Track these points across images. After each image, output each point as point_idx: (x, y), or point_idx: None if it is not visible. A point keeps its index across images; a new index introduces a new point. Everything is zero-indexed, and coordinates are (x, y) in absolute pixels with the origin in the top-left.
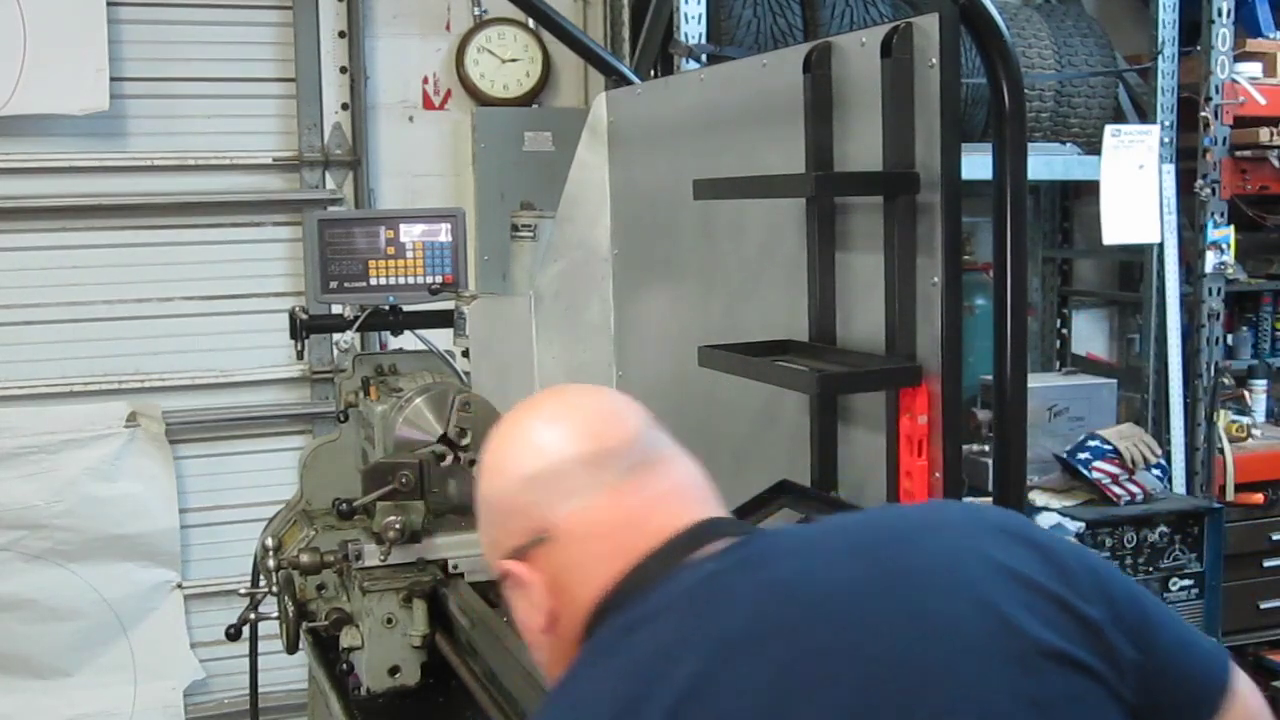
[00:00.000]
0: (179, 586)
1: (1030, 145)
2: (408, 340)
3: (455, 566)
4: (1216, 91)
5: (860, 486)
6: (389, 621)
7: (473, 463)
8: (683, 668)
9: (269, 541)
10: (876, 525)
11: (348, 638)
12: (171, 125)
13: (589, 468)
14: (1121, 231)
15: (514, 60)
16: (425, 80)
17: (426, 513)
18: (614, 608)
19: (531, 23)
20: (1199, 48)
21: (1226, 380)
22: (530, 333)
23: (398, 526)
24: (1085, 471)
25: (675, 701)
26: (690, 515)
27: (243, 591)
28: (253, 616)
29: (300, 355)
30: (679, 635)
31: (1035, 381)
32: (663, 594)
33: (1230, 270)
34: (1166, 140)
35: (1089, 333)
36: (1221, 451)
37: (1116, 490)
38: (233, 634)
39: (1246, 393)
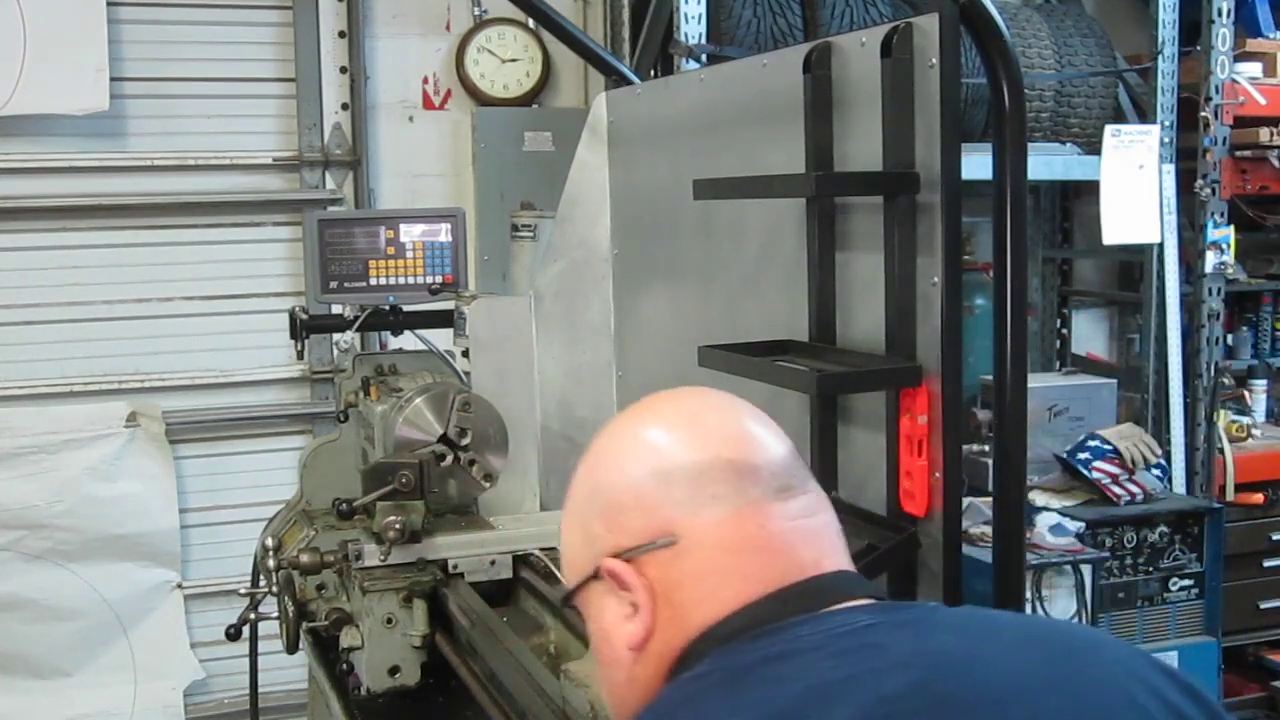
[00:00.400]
0: (179, 586)
1: (1030, 145)
2: (408, 340)
3: (455, 566)
4: (1216, 91)
5: (860, 486)
6: (389, 621)
7: (473, 463)
8: (840, 712)
9: (269, 541)
10: (1037, 623)
11: (348, 638)
12: (171, 125)
13: (738, 476)
14: (1121, 231)
15: (514, 60)
16: (425, 80)
17: (426, 513)
18: (746, 632)
19: (531, 23)
20: (1199, 48)
21: (1226, 380)
22: (530, 333)
23: (398, 526)
24: (1085, 471)
25: None
26: (833, 561)
27: (243, 591)
28: (253, 616)
29: (300, 355)
30: (836, 678)
31: (1035, 381)
32: (811, 631)
33: (1230, 270)
34: (1166, 140)
35: (1089, 333)
36: (1221, 451)
37: (1116, 490)
38: (233, 634)
39: (1246, 393)
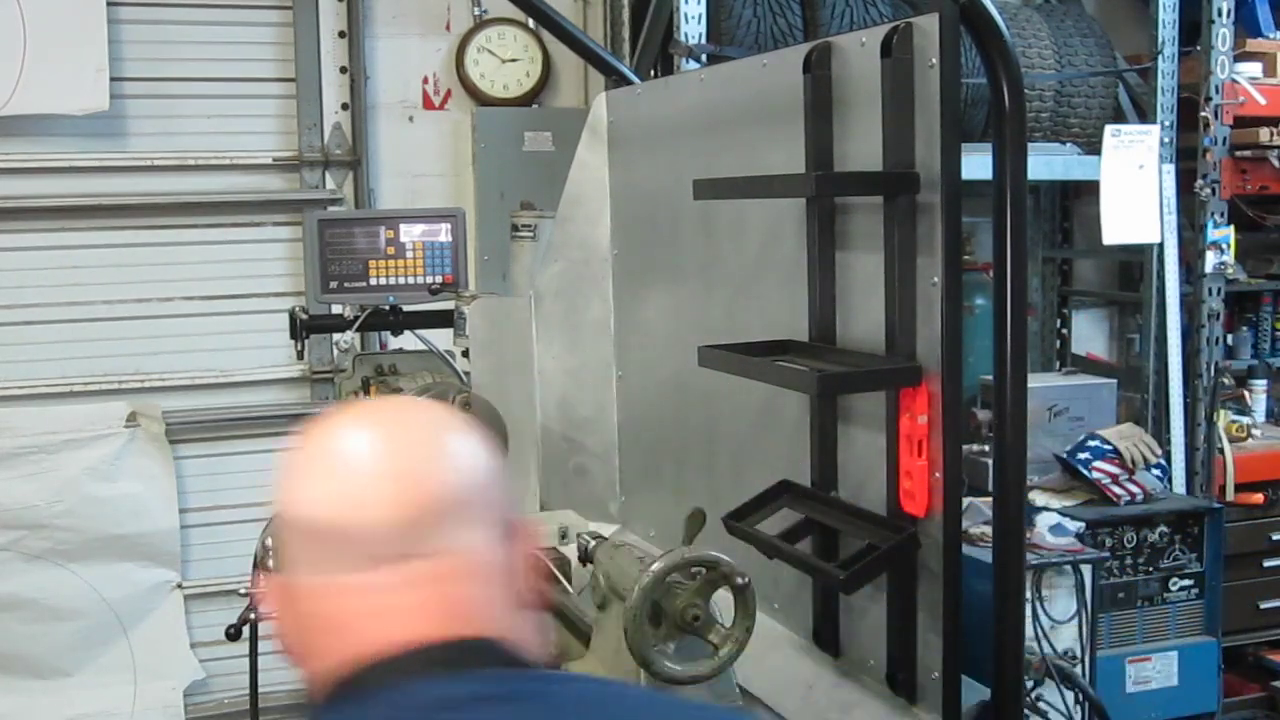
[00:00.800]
0: (179, 586)
1: (1030, 145)
2: (408, 340)
3: None
4: (1216, 91)
5: (860, 486)
6: None
7: None
8: None
9: (269, 541)
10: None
11: None
12: (171, 125)
13: (322, 543)
14: (1121, 231)
15: (514, 60)
16: (425, 80)
17: None
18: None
19: (531, 23)
20: (1199, 48)
21: (1226, 380)
22: (530, 333)
23: None
24: (1085, 471)
25: None
26: (441, 631)
27: (243, 591)
28: (253, 616)
29: (300, 355)
30: None
31: (1035, 381)
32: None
33: (1230, 270)
34: (1166, 140)
35: (1089, 333)
36: (1221, 451)
37: (1116, 490)
38: (233, 634)
39: (1246, 393)
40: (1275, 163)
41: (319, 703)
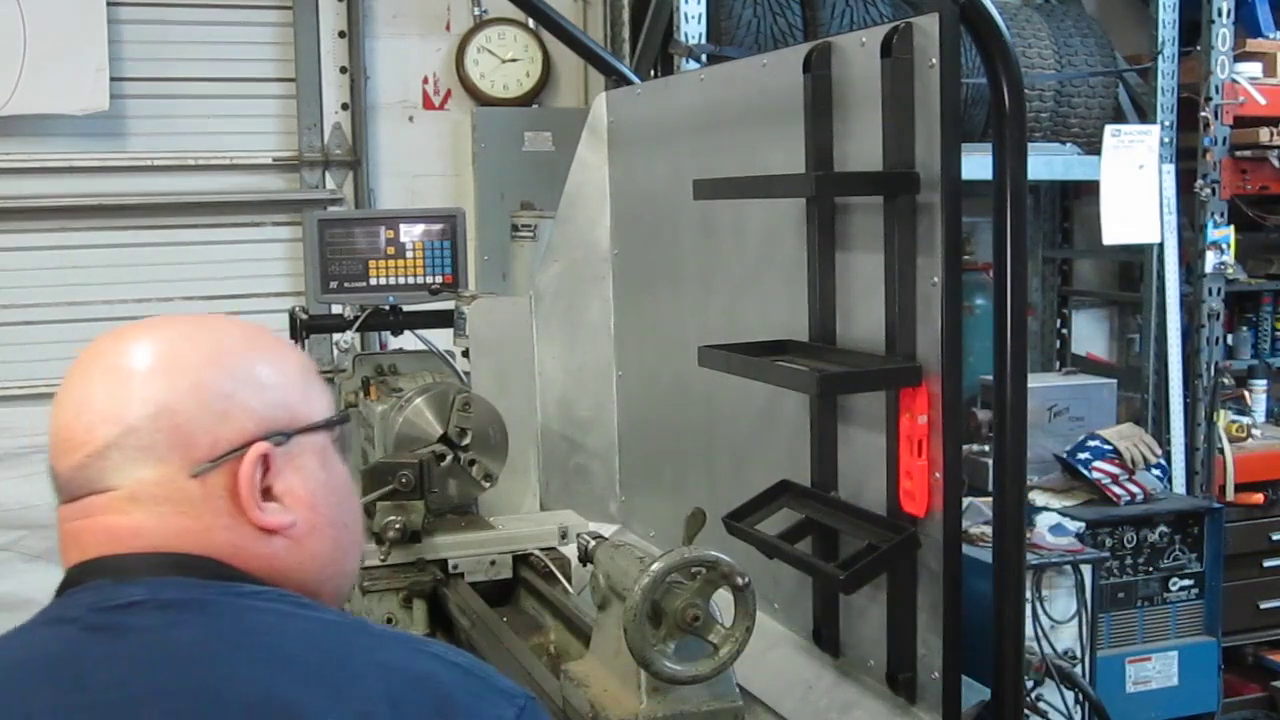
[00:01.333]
0: None
1: (1030, 145)
2: (408, 340)
3: (455, 566)
4: (1216, 91)
5: (860, 486)
6: (389, 621)
7: (473, 463)
8: None
9: None
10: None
11: None
12: (171, 125)
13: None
14: (1121, 231)
15: (514, 60)
16: (425, 80)
17: (426, 513)
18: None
19: (531, 23)
20: (1199, 48)
21: (1226, 380)
22: (530, 333)
23: (398, 526)
24: (1085, 471)
25: None
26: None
27: None
28: None
29: None
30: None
31: (1035, 381)
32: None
33: (1230, 270)
34: (1166, 140)
35: (1089, 333)
36: (1221, 451)
37: (1116, 490)
38: None
39: (1246, 393)
40: (1275, 163)
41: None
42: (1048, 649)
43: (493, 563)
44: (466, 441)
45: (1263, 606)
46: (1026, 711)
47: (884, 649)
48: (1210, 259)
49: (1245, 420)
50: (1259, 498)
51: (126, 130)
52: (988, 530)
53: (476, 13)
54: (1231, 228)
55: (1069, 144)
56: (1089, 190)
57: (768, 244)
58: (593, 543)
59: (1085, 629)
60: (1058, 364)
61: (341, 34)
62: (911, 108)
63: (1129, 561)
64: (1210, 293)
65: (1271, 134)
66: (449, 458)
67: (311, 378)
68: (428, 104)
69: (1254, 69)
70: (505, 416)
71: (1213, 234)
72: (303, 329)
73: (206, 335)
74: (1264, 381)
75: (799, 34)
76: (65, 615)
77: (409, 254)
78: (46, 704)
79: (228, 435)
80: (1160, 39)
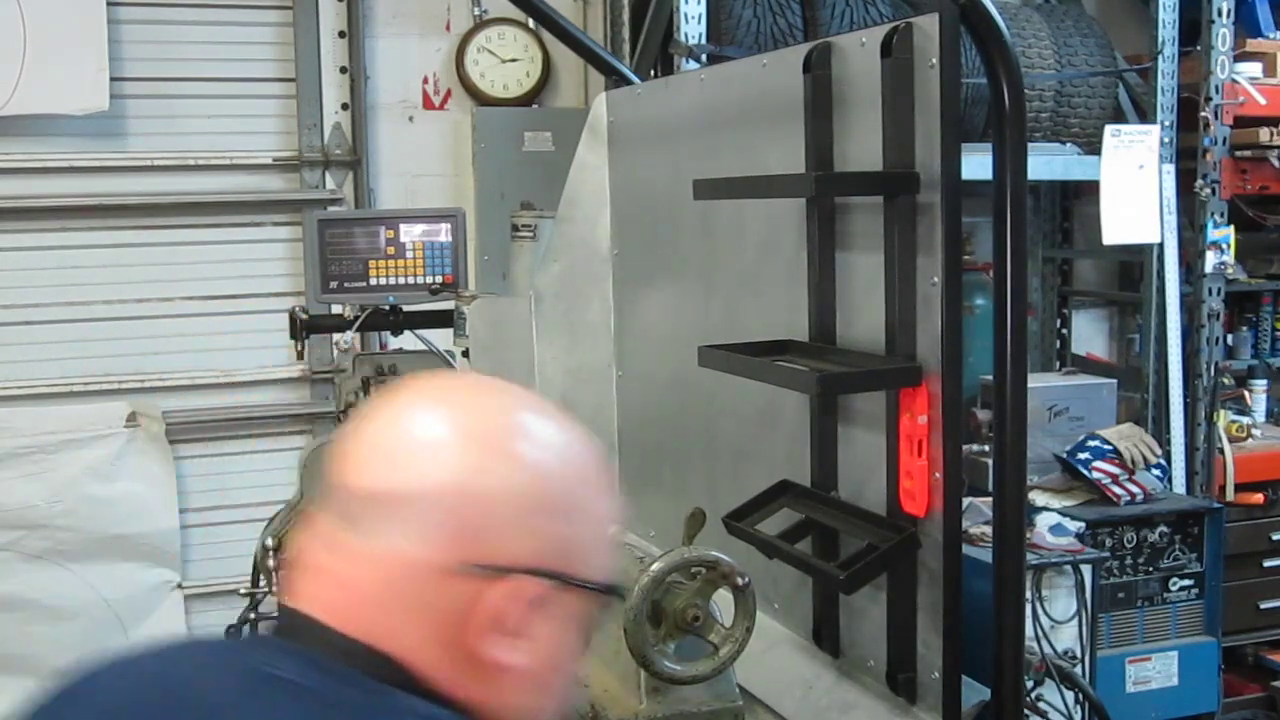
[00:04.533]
0: (179, 587)
1: (1030, 145)
2: (408, 340)
3: None
4: (1216, 91)
5: (860, 486)
6: None
7: None
8: None
9: (269, 541)
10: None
11: None
12: (171, 125)
13: (328, 486)
14: (1121, 231)
15: (514, 60)
16: (425, 80)
17: None
18: None
19: (531, 23)
20: (1199, 48)
21: (1226, 380)
22: (530, 333)
23: None
24: (1085, 471)
25: None
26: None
27: (243, 591)
28: (253, 616)
29: (300, 355)
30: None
31: (1035, 381)
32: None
33: (1230, 270)
34: (1166, 140)
35: (1089, 333)
36: (1221, 451)
37: (1116, 490)
38: (233, 634)
39: (1246, 393)
40: (1275, 163)
41: None
42: (1048, 649)
43: None
44: None
45: (1263, 606)
46: (1026, 711)
47: (884, 649)
48: (1210, 259)
49: (1245, 420)
50: (1259, 498)
51: (126, 130)
52: (988, 530)
53: (476, 13)
54: (1231, 228)
55: (1069, 144)
56: (1089, 190)
57: (768, 244)
58: None
59: (1085, 629)
60: (1058, 364)
61: (341, 34)
62: (911, 108)
63: (1129, 561)
64: (1210, 293)
65: (1271, 134)
66: None
67: (609, 533)
68: (428, 104)
69: (1254, 69)
70: None
71: (1213, 234)
72: (303, 329)
73: (562, 441)
74: (1264, 381)
75: (799, 34)
76: (244, 656)
77: (409, 254)
78: None
79: (512, 550)
80: (1160, 39)
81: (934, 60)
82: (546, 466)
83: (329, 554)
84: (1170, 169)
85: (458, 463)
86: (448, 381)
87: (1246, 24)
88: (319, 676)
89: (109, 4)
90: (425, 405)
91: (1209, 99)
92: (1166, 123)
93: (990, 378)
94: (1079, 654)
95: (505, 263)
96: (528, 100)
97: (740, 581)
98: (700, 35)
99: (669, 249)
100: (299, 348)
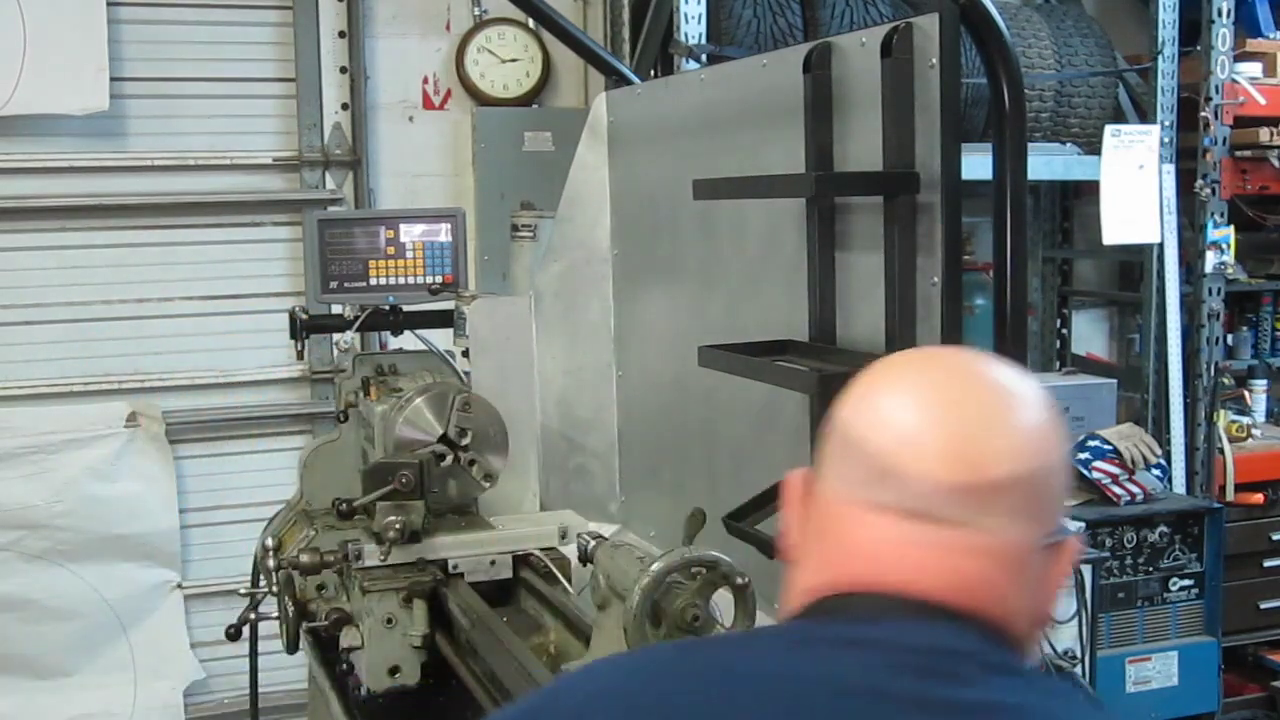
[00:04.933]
0: (179, 586)
1: (1030, 145)
2: (408, 340)
3: (455, 566)
4: (1216, 91)
5: None
6: (389, 621)
7: (473, 463)
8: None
9: (269, 541)
10: None
11: (348, 638)
12: (171, 125)
13: (881, 475)
14: (1121, 231)
15: (514, 60)
16: (425, 80)
17: (426, 513)
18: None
19: (531, 23)
20: (1199, 48)
21: (1226, 380)
22: (530, 333)
23: (398, 526)
24: (1085, 471)
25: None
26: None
27: (243, 591)
28: (253, 616)
29: (300, 355)
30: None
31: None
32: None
33: (1230, 270)
34: (1166, 140)
35: (1089, 333)
36: (1221, 451)
37: (1116, 490)
38: (233, 634)
39: (1246, 393)
40: (1275, 163)
41: (795, 610)
42: (1047, 649)
43: (493, 563)
44: (466, 441)
45: (1263, 606)
46: None
47: None
48: (1210, 259)
49: (1245, 420)
50: (1259, 498)
51: (126, 130)
52: None
53: (476, 13)
54: (1231, 228)
55: (1069, 144)
56: (1089, 190)
57: (768, 244)
58: (593, 543)
59: (1085, 629)
60: (1058, 364)
61: (341, 34)
62: (911, 108)
63: (1129, 561)
64: (1210, 293)
65: (1271, 134)
66: (449, 458)
67: None
68: (428, 104)
69: (1254, 69)
70: (505, 416)
71: (1213, 234)
72: (303, 329)
73: (1051, 415)
74: (1264, 381)
75: (799, 34)
76: (866, 639)
77: (409, 254)
78: None
79: (1061, 514)
80: (1160, 39)
81: (934, 60)
82: (1058, 436)
83: (915, 544)
84: (1170, 169)
85: (1031, 446)
86: (961, 361)
87: (1246, 24)
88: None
89: (109, 4)
90: (974, 389)
91: (1209, 99)
92: (1166, 123)
93: None
94: (1079, 654)
95: (505, 263)
96: (528, 100)
97: (740, 581)
98: (700, 35)
99: (669, 249)
100: (299, 348)
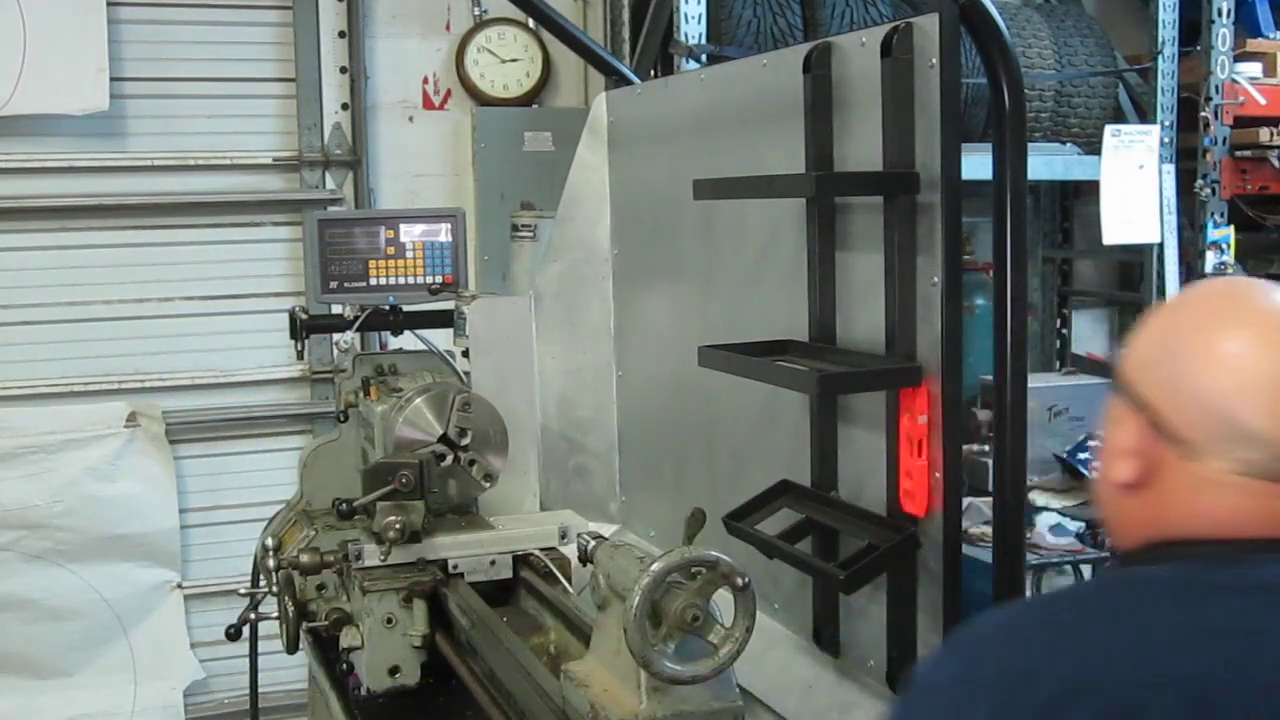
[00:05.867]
0: (179, 586)
1: (1030, 145)
2: (408, 340)
3: (455, 566)
4: (1216, 91)
5: (860, 486)
6: (389, 621)
7: (473, 463)
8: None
9: (269, 541)
10: None
11: (348, 638)
12: (171, 125)
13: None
14: (1121, 231)
15: (514, 60)
16: (425, 80)
17: (426, 513)
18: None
19: (531, 23)
20: (1199, 48)
21: None
22: (530, 333)
23: (398, 526)
24: (1085, 471)
25: (1263, 687)
26: None
27: (243, 591)
28: (253, 616)
29: (300, 355)
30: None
31: (1035, 381)
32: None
33: (1230, 270)
34: (1166, 140)
35: (1089, 333)
36: None
37: None
38: (233, 634)
39: None
40: (1275, 163)
41: (1127, 555)
42: None
43: (493, 563)
44: (466, 441)
45: None
46: None
47: (884, 649)
48: (1210, 259)
49: None
50: None
51: (126, 130)
52: (988, 530)
53: (476, 13)
54: (1231, 228)
55: (1069, 144)
56: (1089, 190)
57: (768, 244)
58: (593, 543)
59: None
60: (1058, 364)
61: (341, 34)
62: (911, 108)
63: None
64: None
65: (1271, 134)
66: (449, 458)
67: None
68: (428, 104)
69: (1254, 69)
70: (505, 416)
71: (1213, 234)
72: (303, 329)
73: None
74: None
75: (799, 34)
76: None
77: (409, 254)
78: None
79: None
80: (1160, 39)
81: (934, 60)
82: None
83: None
84: (1170, 169)
85: None
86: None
87: (1246, 24)
88: None
89: (109, 4)
90: None
91: (1209, 99)
92: (1166, 123)
93: (990, 378)
94: None
95: (505, 263)
96: (528, 100)
97: (740, 581)
98: (700, 35)
99: (669, 249)
100: (299, 348)
